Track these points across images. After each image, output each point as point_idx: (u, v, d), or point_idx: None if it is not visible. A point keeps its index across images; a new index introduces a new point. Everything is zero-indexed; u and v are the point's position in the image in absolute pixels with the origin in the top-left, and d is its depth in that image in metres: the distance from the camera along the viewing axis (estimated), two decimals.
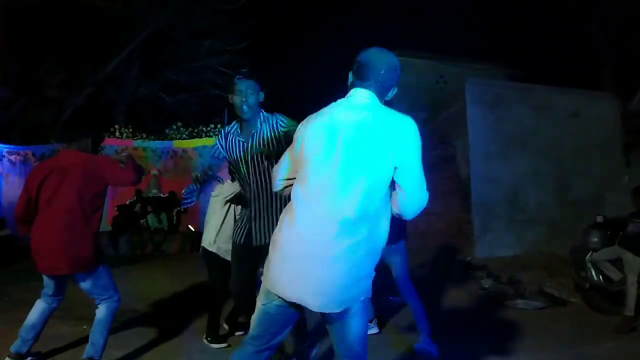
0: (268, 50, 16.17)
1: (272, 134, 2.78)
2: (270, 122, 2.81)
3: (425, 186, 1.77)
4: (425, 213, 1.79)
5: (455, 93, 8.21)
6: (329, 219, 1.66)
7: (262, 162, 2.77)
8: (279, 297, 1.72)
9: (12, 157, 10.06)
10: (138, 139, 11.68)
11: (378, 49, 1.88)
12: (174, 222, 11.02)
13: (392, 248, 3.47)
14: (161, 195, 11.16)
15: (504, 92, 7.73)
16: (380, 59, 1.84)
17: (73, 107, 11.86)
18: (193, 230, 10.81)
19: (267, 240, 2.63)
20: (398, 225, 3.09)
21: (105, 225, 9.73)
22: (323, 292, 1.65)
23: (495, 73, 10.94)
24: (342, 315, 1.70)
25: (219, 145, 2.92)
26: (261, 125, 2.80)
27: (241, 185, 2.93)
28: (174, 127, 11.93)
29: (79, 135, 3.09)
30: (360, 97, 1.81)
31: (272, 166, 2.51)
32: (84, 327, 4.42)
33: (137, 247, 9.91)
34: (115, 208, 9.50)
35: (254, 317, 1.83)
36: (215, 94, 12.85)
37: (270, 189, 2.60)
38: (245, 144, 2.81)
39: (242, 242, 2.82)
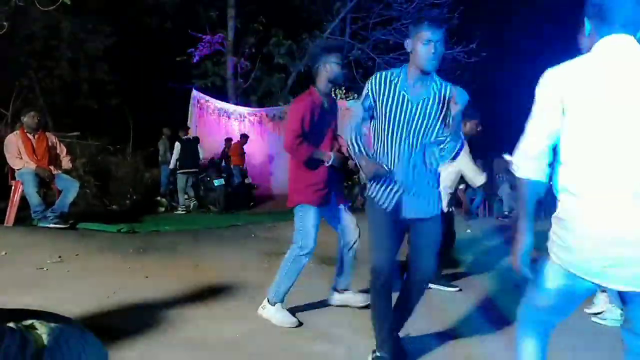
0: (477, 2, 15.01)
1: (443, 103, 2.44)
2: (445, 89, 2.46)
3: None
4: None
5: None
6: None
7: (425, 133, 2.46)
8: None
9: (252, 118, 11.97)
10: (350, 99, 12.45)
11: None
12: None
13: None
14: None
15: None
16: None
17: (296, 72, 13.30)
18: None
19: (413, 216, 2.51)
20: None
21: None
22: None
23: None
24: None
25: (369, 91, 2.52)
26: (439, 87, 2.46)
27: (381, 148, 2.56)
28: None
29: None
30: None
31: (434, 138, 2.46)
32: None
33: (349, 199, 10.76)
34: None
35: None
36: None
37: (425, 161, 2.48)
38: (411, 105, 2.44)
39: (391, 210, 2.51)
